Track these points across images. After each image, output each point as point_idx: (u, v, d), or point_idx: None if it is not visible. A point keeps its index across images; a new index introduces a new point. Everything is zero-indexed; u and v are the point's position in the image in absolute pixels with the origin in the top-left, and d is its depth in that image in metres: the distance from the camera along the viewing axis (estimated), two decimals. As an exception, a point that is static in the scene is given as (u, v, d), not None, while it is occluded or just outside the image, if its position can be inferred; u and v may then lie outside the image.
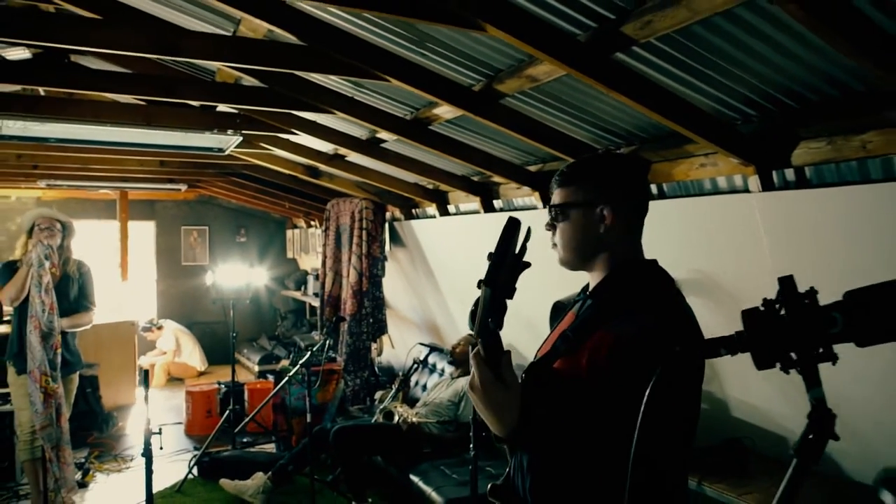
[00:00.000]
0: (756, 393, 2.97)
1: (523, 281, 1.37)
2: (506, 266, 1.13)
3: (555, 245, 1.60)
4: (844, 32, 1.61)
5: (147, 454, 2.62)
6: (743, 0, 1.68)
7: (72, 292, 4.14)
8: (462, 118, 3.16)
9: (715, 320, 2.99)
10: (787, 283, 0.83)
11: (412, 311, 6.31)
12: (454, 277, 5.18)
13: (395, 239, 5.98)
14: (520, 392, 1.35)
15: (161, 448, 5.12)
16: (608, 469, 1.31)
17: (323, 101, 3.23)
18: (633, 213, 1.55)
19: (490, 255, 1.25)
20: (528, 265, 1.21)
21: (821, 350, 0.83)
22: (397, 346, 6.23)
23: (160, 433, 2.99)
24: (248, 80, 3.16)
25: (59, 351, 3.98)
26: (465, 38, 2.38)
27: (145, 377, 2.68)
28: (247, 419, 5.13)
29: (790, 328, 0.83)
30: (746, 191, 2.65)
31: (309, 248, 8.67)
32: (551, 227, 1.59)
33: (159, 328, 8.14)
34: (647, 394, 0.97)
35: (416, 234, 5.61)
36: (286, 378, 4.46)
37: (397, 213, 5.80)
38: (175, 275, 8.86)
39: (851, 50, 1.67)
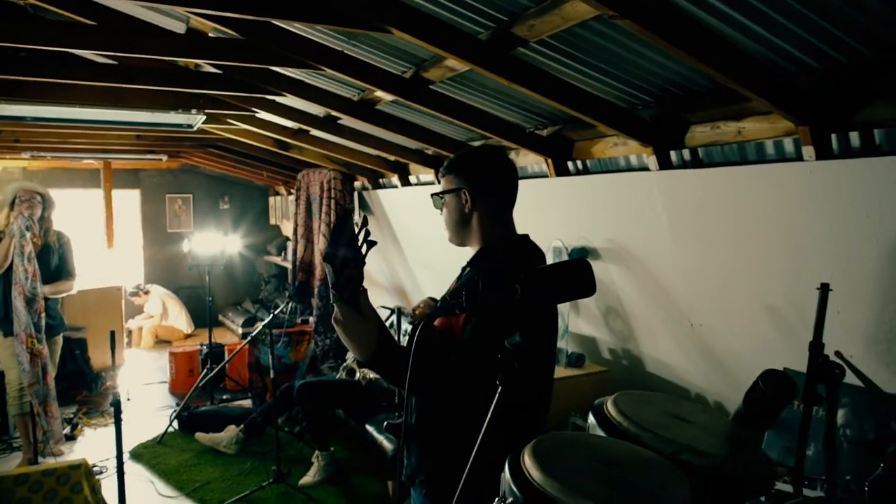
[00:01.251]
0: (664, 351, 3.31)
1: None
2: (341, 245, 1.42)
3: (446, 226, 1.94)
4: (675, 39, 1.88)
5: (116, 407, 2.96)
6: (597, 14, 1.95)
7: (53, 261, 4.44)
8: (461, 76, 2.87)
9: (627, 282, 3.33)
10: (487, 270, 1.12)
11: (381, 275, 6.64)
12: (418, 244, 5.48)
13: (364, 207, 6.28)
14: (377, 324, 1.62)
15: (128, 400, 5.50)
16: (473, 406, 1.63)
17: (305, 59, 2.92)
18: (494, 198, 1.87)
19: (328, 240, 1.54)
20: (374, 243, 1.49)
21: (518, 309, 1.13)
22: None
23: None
24: (222, 32, 2.94)
25: (43, 315, 4.31)
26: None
27: (111, 338, 3.00)
28: (200, 381, 5.48)
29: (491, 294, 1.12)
30: (647, 169, 2.96)
31: (290, 214, 8.92)
32: (437, 207, 1.93)
33: (146, 293, 8.47)
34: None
35: (382, 203, 5.90)
36: (247, 339, 4.80)
37: (366, 183, 6.09)
38: (161, 241, 9.15)
39: (687, 54, 1.95)
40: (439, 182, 1.92)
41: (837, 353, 1.53)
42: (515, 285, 1.10)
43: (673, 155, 2.92)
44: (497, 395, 1.04)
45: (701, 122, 2.68)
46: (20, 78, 3.12)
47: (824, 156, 2.21)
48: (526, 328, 1.07)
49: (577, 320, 3.80)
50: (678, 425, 1.09)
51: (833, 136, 2.22)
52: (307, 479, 4.17)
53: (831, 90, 2.12)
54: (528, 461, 0.87)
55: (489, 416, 1.04)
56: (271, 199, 9.97)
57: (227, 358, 6.21)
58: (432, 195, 1.90)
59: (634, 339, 3.45)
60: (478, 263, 1.87)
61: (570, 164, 3.53)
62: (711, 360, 3.03)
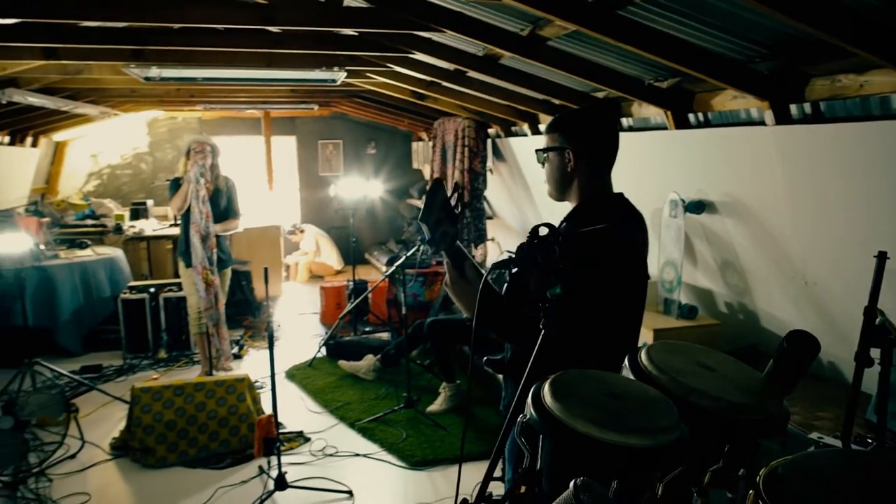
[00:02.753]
0: (778, 307, 3.29)
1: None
2: (435, 210, 1.66)
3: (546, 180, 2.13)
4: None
5: (270, 334, 3.48)
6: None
7: (222, 203, 5.09)
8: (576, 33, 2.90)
9: (742, 237, 3.32)
10: (533, 229, 1.31)
11: (514, 221, 6.87)
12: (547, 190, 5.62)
13: (497, 154, 6.48)
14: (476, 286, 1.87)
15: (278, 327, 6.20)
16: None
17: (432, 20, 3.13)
18: (595, 158, 2.01)
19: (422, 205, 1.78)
20: (468, 204, 1.72)
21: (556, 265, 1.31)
22: (502, 252, 6.86)
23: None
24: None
25: (215, 250, 4.99)
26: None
27: (265, 274, 3.50)
28: (342, 315, 6.05)
29: (535, 253, 1.31)
30: (764, 123, 2.91)
31: (430, 160, 9.34)
32: (540, 162, 2.11)
33: (301, 232, 9.31)
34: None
35: (513, 150, 6.07)
36: (382, 278, 5.24)
37: (499, 131, 6.27)
38: (314, 184, 9.94)
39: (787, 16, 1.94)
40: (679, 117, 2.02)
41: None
42: (554, 245, 1.29)
43: (793, 108, 2.85)
44: (540, 337, 1.25)
45: (821, 74, 2.61)
46: (189, 48, 3.63)
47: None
48: (565, 282, 1.27)
49: (694, 272, 3.82)
50: (700, 373, 1.24)
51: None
52: (434, 406, 4.59)
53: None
54: (546, 388, 1.08)
55: (533, 355, 1.26)
56: (414, 145, 10.42)
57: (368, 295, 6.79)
58: (536, 151, 2.07)
59: (750, 294, 3.44)
60: (573, 219, 2.05)
61: (690, 116, 3.51)
62: (826, 320, 2.99)
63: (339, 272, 9.32)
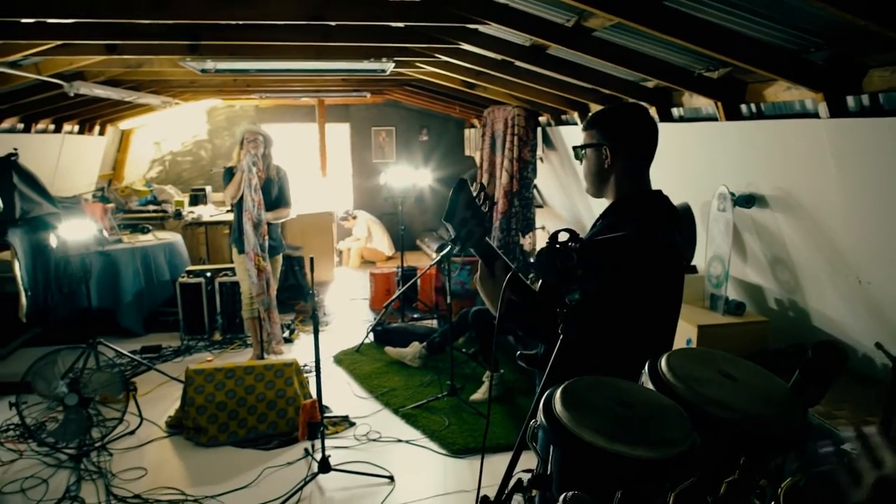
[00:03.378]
0: (830, 306, 3.18)
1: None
2: (459, 210, 1.67)
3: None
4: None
5: (315, 321, 3.57)
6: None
7: (273, 191, 5.22)
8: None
9: (794, 232, 3.22)
10: (553, 235, 1.31)
11: (564, 209, 6.81)
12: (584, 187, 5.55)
13: (547, 142, 6.42)
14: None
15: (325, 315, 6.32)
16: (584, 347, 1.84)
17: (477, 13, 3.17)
18: (633, 156, 1.99)
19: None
20: (494, 203, 1.73)
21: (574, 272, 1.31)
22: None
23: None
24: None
25: (266, 238, 5.13)
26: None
27: (311, 263, 3.59)
28: (389, 302, 6.13)
29: (553, 259, 1.31)
30: (817, 116, 2.80)
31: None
32: (577, 159, 2.11)
33: (354, 218, 9.45)
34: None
35: (563, 139, 6.01)
36: (429, 266, 5.29)
37: (549, 119, 6.21)
38: (367, 171, 10.06)
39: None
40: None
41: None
42: (572, 252, 1.29)
43: (850, 100, 2.74)
44: (558, 343, 1.25)
45: (879, 65, 2.49)
46: (241, 42, 3.73)
47: None
48: (587, 287, 1.27)
49: (743, 267, 3.73)
50: (720, 382, 1.23)
51: None
52: (477, 395, 4.63)
53: None
54: (557, 394, 1.09)
55: (551, 360, 1.26)
56: (466, 132, 10.40)
57: (416, 282, 6.86)
58: (574, 148, 2.06)
59: (801, 291, 3.34)
60: (609, 216, 2.04)
61: (742, 107, 3.41)
62: (880, 320, 2.88)
63: (390, 258, 9.43)
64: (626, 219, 1.96)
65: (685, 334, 3.35)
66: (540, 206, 7.01)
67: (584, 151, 2.03)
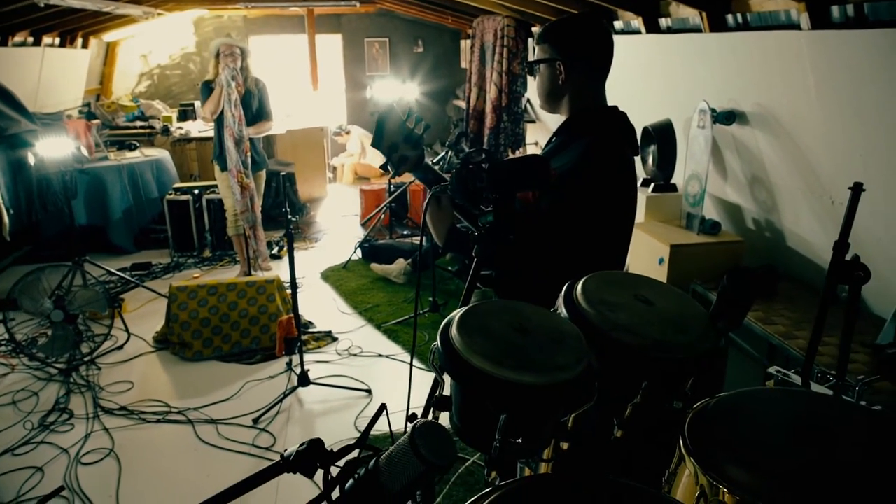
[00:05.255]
0: (805, 227, 3.14)
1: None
2: (387, 135, 1.62)
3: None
4: None
5: (289, 239, 3.57)
6: None
7: (254, 105, 5.11)
8: None
9: (773, 151, 3.15)
10: (465, 156, 1.27)
11: (556, 124, 6.66)
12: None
13: (539, 55, 6.21)
14: (451, 221, 1.85)
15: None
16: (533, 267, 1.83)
17: None
18: (588, 71, 1.92)
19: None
20: (427, 127, 1.68)
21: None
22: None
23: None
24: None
25: (249, 153, 5.07)
26: None
27: (284, 182, 3.54)
28: (367, 217, 6.12)
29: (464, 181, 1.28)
30: (799, 27, 2.67)
31: (476, 59, 9.04)
32: (531, 74, 2.03)
33: (347, 133, 9.31)
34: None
35: (555, 52, 5.80)
36: (409, 182, 5.24)
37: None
38: (360, 85, 9.82)
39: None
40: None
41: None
42: (482, 174, 1.25)
43: (835, 10, 2.61)
44: (473, 266, 1.25)
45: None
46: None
47: None
48: (498, 209, 1.24)
49: (723, 186, 3.67)
50: (633, 307, 1.22)
51: None
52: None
53: None
54: (455, 318, 1.09)
55: (468, 282, 1.25)
56: (462, 43, 10.07)
57: (409, 197, 6.82)
58: (527, 63, 1.97)
59: (777, 211, 3.29)
60: (563, 133, 1.99)
61: (729, 17, 3.26)
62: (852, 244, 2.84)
63: (384, 174, 9.34)
64: (578, 136, 1.91)
65: (658, 253, 3.34)
66: (532, 122, 6.86)
67: (538, 67, 1.95)
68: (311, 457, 0.82)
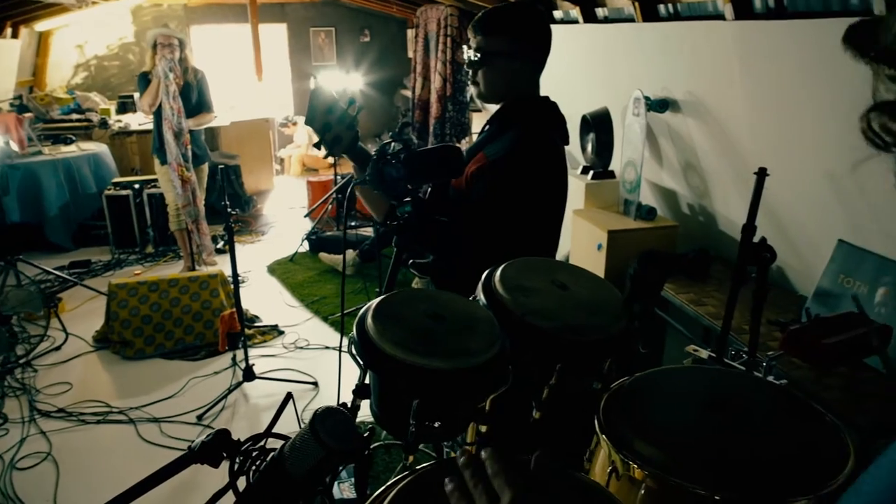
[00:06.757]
0: (735, 211, 3.24)
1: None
2: (319, 114, 1.62)
3: (476, 83, 2.04)
4: None
5: (229, 233, 3.52)
6: None
7: (193, 97, 5.00)
8: None
9: (703, 137, 3.24)
10: (381, 147, 1.28)
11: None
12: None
13: (483, 45, 6.23)
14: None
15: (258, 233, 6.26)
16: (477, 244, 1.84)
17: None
18: (538, 61, 1.94)
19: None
20: (360, 108, 1.68)
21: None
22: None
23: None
24: None
25: (189, 146, 4.96)
26: None
27: (221, 174, 3.48)
28: (311, 209, 6.09)
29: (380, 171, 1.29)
30: (723, 18, 2.76)
31: (423, 49, 9.02)
32: (473, 66, 2.01)
33: (294, 124, 9.19)
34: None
35: (498, 41, 5.83)
36: (349, 178, 5.21)
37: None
38: (307, 75, 9.69)
39: None
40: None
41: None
42: (399, 165, 1.27)
43: (757, 1, 2.69)
44: (394, 252, 1.26)
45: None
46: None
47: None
48: (413, 200, 1.26)
49: (659, 172, 3.76)
50: (549, 292, 1.25)
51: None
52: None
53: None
54: (371, 307, 1.11)
55: (389, 271, 1.27)
56: (409, 32, 10.02)
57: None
58: (476, 50, 1.93)
59: (709, 196, 3.39)
60: (494, 123, 2.01)
61: (661, 7, 3.33)
62: (776, 226, 2.96)
63: (332, 165, 9.27)
64: (510, 125, 1.94)
65: (596, 239, 3.42)
66: (478, 111, 6.89)
67: (476, 58, 1.94)
68: (217, 447, 0.83)
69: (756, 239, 1.50)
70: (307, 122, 1.66)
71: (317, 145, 1.68)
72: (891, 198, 2.31)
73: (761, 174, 1.53)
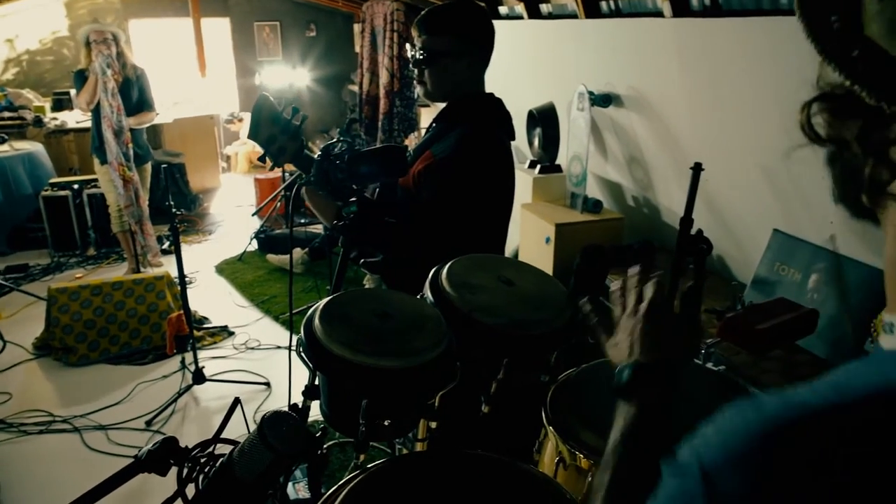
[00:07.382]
0: (677, 203, 3.34)
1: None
2: (263, 126, 1.60)
3: (423, 82, 2.04)
4: None
5: (175, 233, 3.45)
6: None
7: (133, 94, 4.86)
8: None
9: (645, 131, 3.33)
10: (325, 147, 1.29)
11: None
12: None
13: (430, 40, 6.23)
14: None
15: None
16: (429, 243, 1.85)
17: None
18: (483, 58, 1.96)
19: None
20: (305, 117, 1.68)
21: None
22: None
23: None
24: None
25: (130, 145, 4.83)
26: None
27: (166, 173, 3.40)
28: (259, 207, 6.02)
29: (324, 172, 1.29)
30: (662, 15, 2.83)
31: (370, 43, 8.95)
32: (418, 65, 2.00)
33: (240, 120, 9.02)
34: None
35: (445, 36, 5.84)
36: (295, 175, 5.17)
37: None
38: (251, 70, 9.51)
39: None
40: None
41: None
42: (343, 165, 1.27)
43: (694, 0, 2.78)
44: (339, 257, 1.27)
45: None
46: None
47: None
48: (359, 200, 1.27)
49: (605, 166, 3.84)
50: (495, 288, 1.28)
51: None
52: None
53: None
54: (319, 308, 1.11)
55: (336, 271, 1.28)
56: (356, 27, 9.93)
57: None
58: (422, 50, 1.92)
59: (653, 189, 3.49)
60: (441, 121, 2.03)
61: (603, 4, 3.40)
62: (717, 218, 3.06)
63: (262, 165, 9.13)
64: (456, 123, 1.96)
65: (544, 232, 3.47)
66: (426, 106, 6.89)
67: (422, 56, 1.94)
68: (164, 455, 0.82)
69: (693, 231, 1.55)
70: (251, 137, 1.64)
71: (262, 158, 1.66)
72: (821, 188, 2.42)
73: (697, 169, 1.59)
